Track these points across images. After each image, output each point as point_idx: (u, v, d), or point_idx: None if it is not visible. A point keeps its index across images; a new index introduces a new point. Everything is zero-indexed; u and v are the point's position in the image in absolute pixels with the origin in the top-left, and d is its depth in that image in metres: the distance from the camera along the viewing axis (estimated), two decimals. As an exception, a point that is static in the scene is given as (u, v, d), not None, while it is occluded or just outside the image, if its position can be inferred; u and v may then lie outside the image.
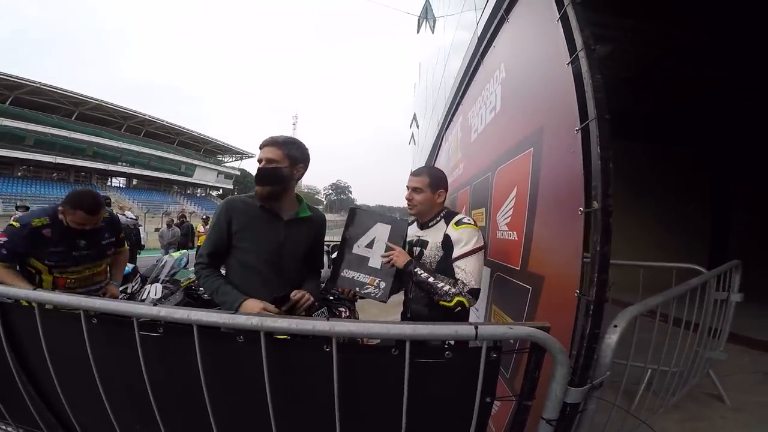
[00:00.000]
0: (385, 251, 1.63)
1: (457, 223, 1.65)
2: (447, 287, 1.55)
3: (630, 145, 5.28)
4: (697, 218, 6.59)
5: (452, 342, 1.05)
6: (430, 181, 1.75)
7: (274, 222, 1.62)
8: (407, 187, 1.80)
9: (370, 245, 1.65)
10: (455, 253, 1.61)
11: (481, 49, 3.01)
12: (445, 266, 1.63)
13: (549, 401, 1.10)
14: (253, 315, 1.14)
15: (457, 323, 0.97)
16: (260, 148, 1.61)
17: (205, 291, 1.62)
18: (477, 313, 2.48)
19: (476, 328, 0.94)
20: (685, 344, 2.14)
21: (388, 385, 1.05)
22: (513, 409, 1.20)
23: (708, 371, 2.51)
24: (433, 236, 1.72)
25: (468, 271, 1.57)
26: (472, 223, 1.65)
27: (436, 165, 6.27)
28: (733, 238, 6.41)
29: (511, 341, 1.11)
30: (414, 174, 1.80)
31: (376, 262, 1.64)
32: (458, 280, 1.56)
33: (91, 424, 1.39)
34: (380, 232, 1.65)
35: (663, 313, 1.84)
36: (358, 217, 1.68)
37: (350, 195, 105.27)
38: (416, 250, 1.79)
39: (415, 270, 1.58)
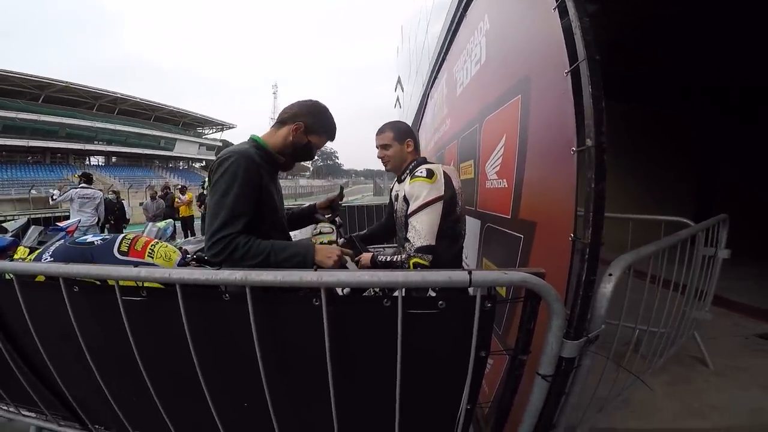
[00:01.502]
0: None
1: (412, 177, 1.67)
2: (400, 256, 1.61)
3: (615, 105, 5.23)
4: (682, 176, 6.67)
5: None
6: (395, 134, 1.79)
7: (276, 174, 1.58)
8: (376, 146, 1.83)
9: None
10: (409, 209, 1.64)
11: (464, 3, 2.92)
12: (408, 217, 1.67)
13: (544, 355, 1.08)
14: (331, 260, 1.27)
15: (450, 270, 0.94)
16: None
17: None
18: (468, 268, 2.49)
19: (470, 273, 0.91)
20: (673, 304, 2.16)
21: (381, 338, 1.02)
22: (507, 365, 1.20)
23: (693, 333, 2.57)
24: (403, 190, 1.76)
25: (417, 228, 1.58)
26: (424, 174, 1.62)
27: (421, 124, 6.18)
28: (717, 197, 6.51)
29: (503, 293, 1.09)
30: (378, 132, 1.83)
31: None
32: (407, 240, 1.60)
33: (87, 397, 1.37)
34: None
35: (651, 274, 1.84)
36: None
37: (337, 161, 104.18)
38: (395, 204, 1.85)
39: (379, 259, 1.67)
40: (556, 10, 1.25)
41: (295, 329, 1.08)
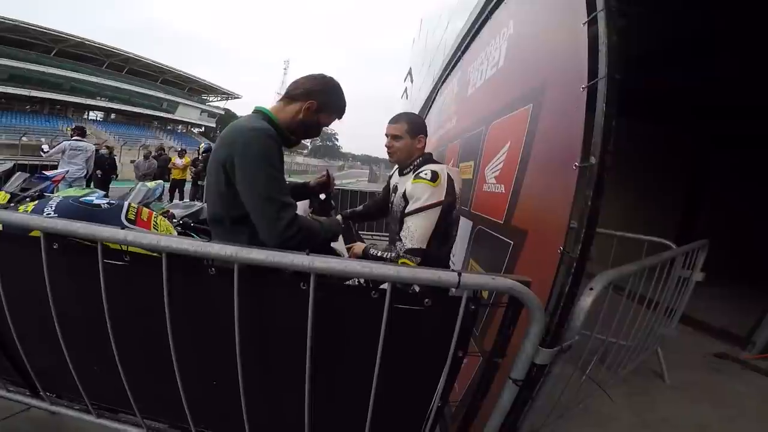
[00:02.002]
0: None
1: (416, 176, 1.63)
2: (391, 254, 1.61)
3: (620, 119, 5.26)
4: (671, 196, 6.76)
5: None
6: (409, 127, 1.73)
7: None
8: (386, 135, 1.77)
9: None
10: (407, 209, 1.61)
11: (491, 5, 2.89)
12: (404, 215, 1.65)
13: (518, 360, 1.10)
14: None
15: (440, 269, 0.94)
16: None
17: (310, 240, 1.26)
18: (454, 266, 2.51)
19: (459, 275, 0.92)
20: (643, 320, 2.24)
21: (363, 328, 1.03)
22: (480, 367, 1.21)
23: (657, 348, 2.66)
24: (403, 185, 1.71)
25: (411, 229, 1.56)
26: (428, 177, 1.58)
27: (426, 118, 6.15)
28: (701, 218, 6.62)
29: (485, 296, 1.11)
30: (392, 121, 1.76)
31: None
32: (399, 239, 1.58)
33: (44, 363, 1.30)
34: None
35: (624, 288, 1.91)
36: None
37: (336, 142, 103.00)
38: (392, 196, 1.82)
39: (371, 252, 1.71)
40: (586, 24, 1.25)
41: (278, 311, 1.08)
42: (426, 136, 1.79)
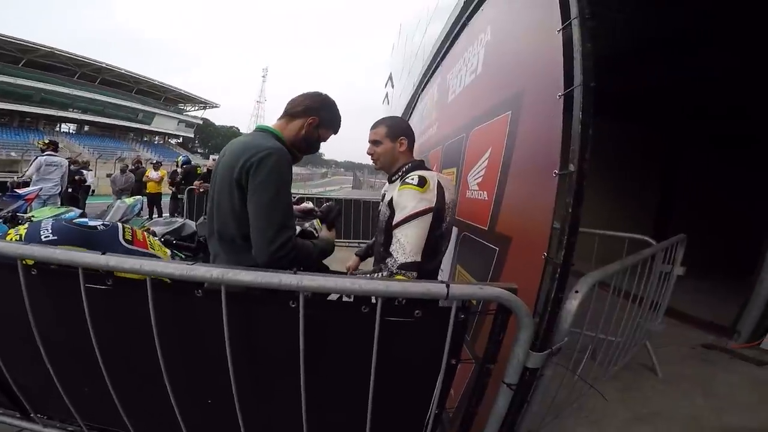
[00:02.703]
0: None
1: (403, 182, 1.53)
2: (381, 274, 1.48)
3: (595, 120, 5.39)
4: (647, 193, 6.99)
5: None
6: (388, 130, 1.67)
7: None
8: (368, 142, 1.73)
9: None
10: (395, 220, 1.49)
11: (468, 11, 2.93)
12: (391, 227, 1.53)
13: (510, 365, 1.12)
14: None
15: (429, 281, 0.96)
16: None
17: (302, 260, 1.32)
18: (442, 273, 2.53)
19: (448, 286, 0.93)
20: (630, 315, 2.27)
21: (356, 342, 1.03)
22: (474, 373, 1.23)
23: (645, 342, 2.71)
24: (391, 193, 1.62)
25: (402, 242, 1.43)
26: (415, 182, 1.48)
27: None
28: (676, 215, 6.85)
29: (475, 302, 1.12)
30: (372, 127, 1.73)
31: None
32: (390, 255, 1.45)
33: (32, 385, 1.29)
34: None
35: (612, 285, 1.94)
36: None
37: (319, 150, 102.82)
38: (380, 204, 1.76)
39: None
40: (561, 32, 1.26)
41: (269, 330, 1.08)
42: (408, 138, 1.70)
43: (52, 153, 6.21)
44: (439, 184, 1.54)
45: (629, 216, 6.34)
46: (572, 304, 1.26)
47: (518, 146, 1.60)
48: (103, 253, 1.04)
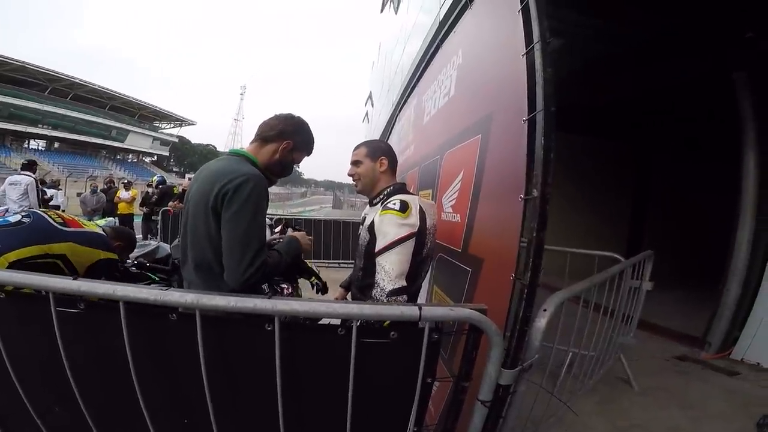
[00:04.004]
0: None
1: (384, 207, 1.50)
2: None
3: (566, 135, 5.60)
4: (619, 208, 7.25)
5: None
6: (368, 150, 1.66)
7: None
8: (350, 164, 1.72)
9: None
10: (377, 247, 1.46)
11: (442, 34, 3.02)
12: (371, 252, 1.52)
13: (484, 382, 1.15)
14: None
15: (402, 304, 0.98)
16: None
17: (274, 273, 1.37)
18: (419, 294, 2.56)
19: (420, 309, 0.96)
20: (602, 329, 2.33)
21: (333, 364, 1.04)
22: (450, 390, 1.25)
23: (619, 356, 2.78)
24: (371, 216, 1.59)
25: (387, 269, 1.41)
26: (397, 207, 1.46)
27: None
28: (647, 228, 7.13)
29: (450, 323, 1.16)
30: (354, 149, 1.72)
31: None
32: (377, 284, 1.43)
33: (5, 412, 1.24)
34: None
35: (584, 299, 2.01)
36: None
37: (297, 169, 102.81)
38: (360, 228, 1.73)
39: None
40: (525, 56, 1.31)
41: (245, 353, 1.08)
42: (389, 158, 1.67)
43: (22, 172, 6.09)
44: (420, 208, 1.52)
45: (604, 228, 6.59)
46: (541, 322, 1.30)
47: (488, 169, 1.66)
48: (75, 278, 1.04)
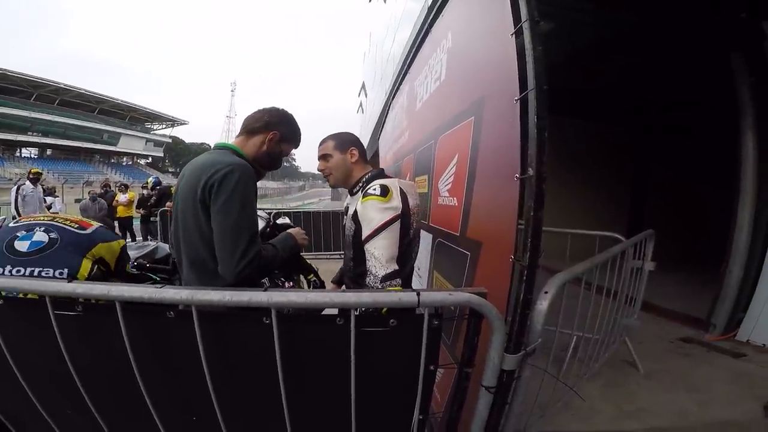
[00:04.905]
0: None
1: (365, 194, 1.50)
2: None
3: (561, 119, 5.58)
4: (618, 190, 7.21)
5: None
6: (336, 143, 1.65)
7: None
8: (318, 160, 1.70)
9: None
10: (363, 234, 1.47)
11: (431, 18, 2.97)
12: (358, 241, 1.52)
13: (487, 368, 1.14)
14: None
15: (399, 290, 0.97)
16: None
17: (268, 267, 1.36)
18: (420, 279, 2.55)
19: (418, 295, 0.95)
20: (605, 312, 2.31)
21: (333, 355, 1.04)
22: (455, 377, 1.25)
23: (624, 339, 2.76)
24: (354, 206, 1.60)
25: (377, 255, 1.42)
26: (378, 192, 1.46)
27: (382, 134, 6.25)
28: (648, 208, 7.11)
29: (452, 308, 1.14)
30: (319, 144, 1.70)
31: None
32: (369, 272, 1.44)
33: (18, 412, 1.27)
34: None
35: (586, 281, 1.99)
36: None
37: (294, 163, 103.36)
38: (343, 218, 1.72)
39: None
40: (514, 36, 1.28)
41: (244, 347, 1.07)
42: (359, 148, 1.67)
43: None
44: (401, 190, 1.53)
45: (603, 212, 6.57)
46: (543, 305, 1.30)
47: (482, 151, 1.64)
48: (70, 281, 1.04)
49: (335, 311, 1.05)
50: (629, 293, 2.65)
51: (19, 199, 6.55)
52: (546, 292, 1.35)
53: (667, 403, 2.32)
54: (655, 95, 5.90)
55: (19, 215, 6.24)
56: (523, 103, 1.21)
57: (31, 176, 7.04)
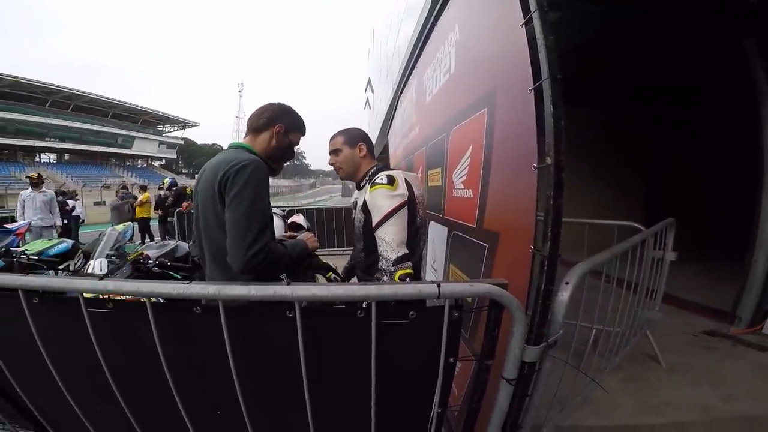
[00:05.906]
0: None
1: (372, 184, 1.60)
2: (384, 278, 1.53)
3: (575, 109, 5.47)
4: (633, 180, 7.07)
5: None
6: (345, 138, 1.75)
7: None
8: (329, 154, 1.80)
9: None
10: (374, 221, 1.57)
11: (436, 11, 2.95)
12: (369, 229, 1.61)
13: (508, 360, 1.15)
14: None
15: (420, 282, 0.98)
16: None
17: (277, 265, 1.38)
18: (435, 273, 2.55)
19: (439, 286, 0.95)
20: (626, 304, 2.25)
21: (354, 347, 1.05)
22: (474, 370, 1.25)
23: (645, 331, 2.69)
24: (362, 198, 1.69)
25: (387, 240, 1.52)
26: (385, 181, 1.56)
27: (391, 129, 6.24)
28: (665, 198, 6.94)
29: (470, 300, 1.14)
30: (330, 139, 1.80)
31: None
32: (381, 256, 1.53)
33: (51, 408, 1.32)
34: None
35: (606, 273, 1.92)
36: None
37: (304, 161, 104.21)
38: (353, 212, 1.80)
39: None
40: (524, 26, 1.28)
41: (268, 341, 1.09)
42: (367, 144, 1.77)
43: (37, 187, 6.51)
44: (406, 180, 1.62)
45: (619, 202, 6.45)
46: (564, 295, 1.29)
47: (497, 142, 1.63)
48: (101, 279, 1.07)
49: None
50: (650, 285, 2.58)
51: (18, 206, 6.45)
52: (567, 283, 1.33)
53: (691, 398, 2.25)
54: (667, 83, 5.74)
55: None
56: (538, 92, 1.21)
57: (33, 181, 6.80)
